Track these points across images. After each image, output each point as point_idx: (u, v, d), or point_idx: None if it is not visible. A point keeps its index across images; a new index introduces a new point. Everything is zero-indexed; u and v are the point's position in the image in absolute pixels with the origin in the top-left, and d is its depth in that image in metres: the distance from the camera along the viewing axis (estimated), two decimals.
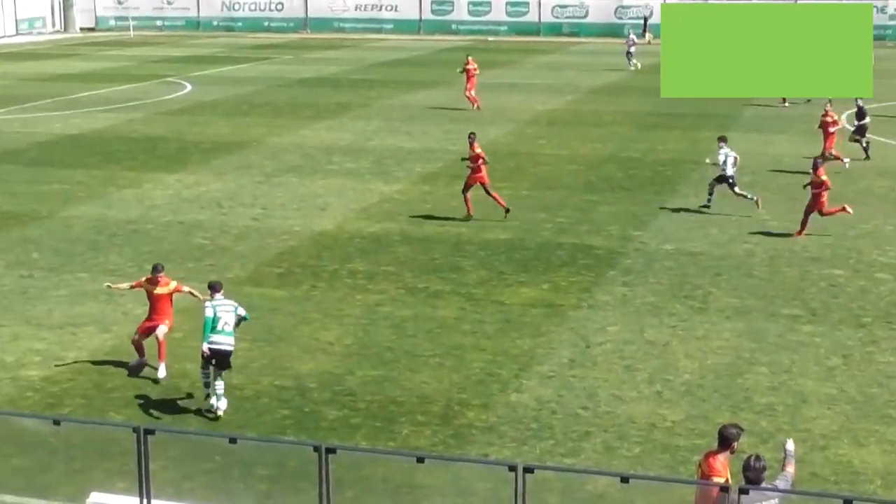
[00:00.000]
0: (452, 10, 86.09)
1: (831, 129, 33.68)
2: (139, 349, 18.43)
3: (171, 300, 18.34)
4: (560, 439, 16.16)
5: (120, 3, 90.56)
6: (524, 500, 11.07)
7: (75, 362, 19.03)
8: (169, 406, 17.30)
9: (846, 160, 33.89)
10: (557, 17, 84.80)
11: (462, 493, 14.60)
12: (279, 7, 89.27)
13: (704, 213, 28.70)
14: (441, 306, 21.80)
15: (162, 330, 18.09)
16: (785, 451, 11.97)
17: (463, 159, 28.90)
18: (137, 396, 17.62)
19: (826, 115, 33.94)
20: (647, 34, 75.28)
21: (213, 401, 16.88)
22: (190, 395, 17.56)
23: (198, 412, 17.01)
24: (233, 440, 12.76)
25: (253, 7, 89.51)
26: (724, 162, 28.59)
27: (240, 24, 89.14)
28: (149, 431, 12.05)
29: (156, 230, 27.44)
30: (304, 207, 29.75)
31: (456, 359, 19.13)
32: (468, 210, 28.13)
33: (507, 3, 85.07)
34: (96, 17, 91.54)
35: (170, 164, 35.48)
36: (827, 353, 19.39)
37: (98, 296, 22.16)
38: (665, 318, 21.05)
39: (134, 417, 16.78)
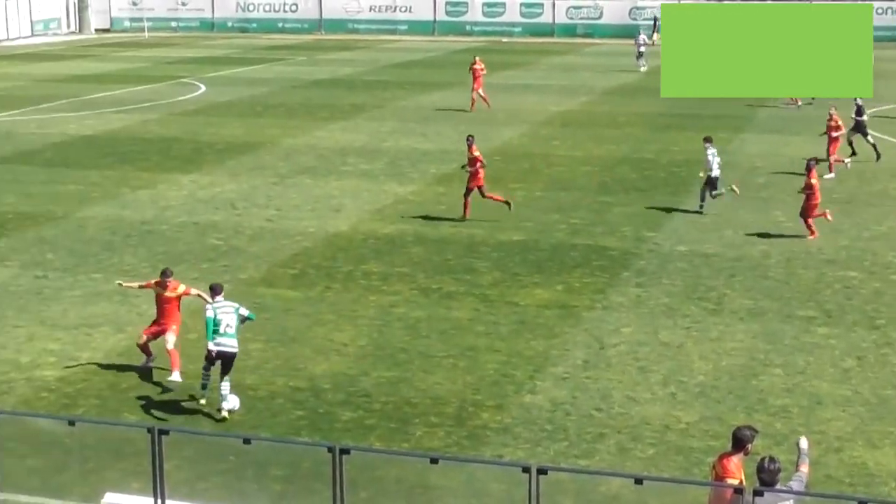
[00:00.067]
0: (467, 11, 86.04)
1: (834, 134, 33.82)
2: (146, 351, 18.51)
3: (178, 304, 18.36)
4: (574, 441, 16.15)
5: (135, 4, 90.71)
6: (538, 502, 11.07)
7: (90, 363, 19.08)
8: (183, 407, 17.35)
9: (847, 160, 33.95)
10: (572, 18, 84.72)
11: (476, 494, 14.61)
12: (293, 8, 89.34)
13: (719, 214, 28.61)
14: (455, 307, 21.80)
15: (171, 339, 18.05)
16: (799, 449, 11.91)
17: (462, 167, 28.84)
18: (152, 397, 17.68)
19: (831, 119, 34.07)
20: (656, 35, 75.15)
21: (202, 401, 17.12)
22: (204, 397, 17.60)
23: (211, 413, 17.05)
24: (247, 441, 12.80)
25: (267, 8, 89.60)
26: (711, 163, 28.54)
27: (254, 25, 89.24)
28: (163, 432, 12.09)
29: (170, 231, 27.50)
30: (318, 208, 29.78)
31: (470, 360, 19.13)
32: (465, 213, 28.09)
33: (521, 4, 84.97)
34: (111, 19, 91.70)
35: (184, 164, 35.56)
36: (842, 354, 19.34)
37: (112, 296, 22.22)
38: (679, 320, 21.02)
39: (148, 418, 16.85)
